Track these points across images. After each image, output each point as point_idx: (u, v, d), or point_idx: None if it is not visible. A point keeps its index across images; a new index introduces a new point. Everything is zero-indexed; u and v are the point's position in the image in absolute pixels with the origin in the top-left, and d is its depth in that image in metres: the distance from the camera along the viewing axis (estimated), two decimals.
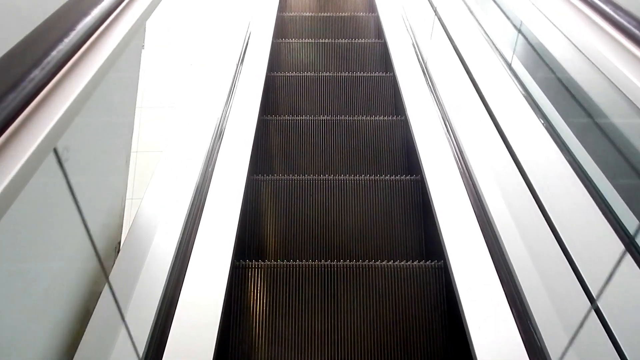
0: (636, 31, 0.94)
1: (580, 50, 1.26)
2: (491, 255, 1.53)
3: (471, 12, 2.74)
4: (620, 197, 1.43)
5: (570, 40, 1.33)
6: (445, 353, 1.63)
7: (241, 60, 2.72)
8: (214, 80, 2.45)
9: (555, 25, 1.34)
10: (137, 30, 1.01)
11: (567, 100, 1.95)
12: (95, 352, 1.19)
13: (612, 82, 1.01)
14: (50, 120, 0.58)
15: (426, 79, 2.54)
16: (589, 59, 1.20)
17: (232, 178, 1.90)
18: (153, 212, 1.64)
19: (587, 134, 1.64)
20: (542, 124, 1.89)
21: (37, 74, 0.58)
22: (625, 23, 0.97)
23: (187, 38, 4.90)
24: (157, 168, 1.81)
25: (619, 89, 0.96)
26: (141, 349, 1.25)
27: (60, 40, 0.69)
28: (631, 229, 1.31)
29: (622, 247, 1.37)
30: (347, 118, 2.54)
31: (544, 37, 2.04)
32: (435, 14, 2.90)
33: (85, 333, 1.18)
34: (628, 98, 0.93)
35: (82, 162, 1.08)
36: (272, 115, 2.59)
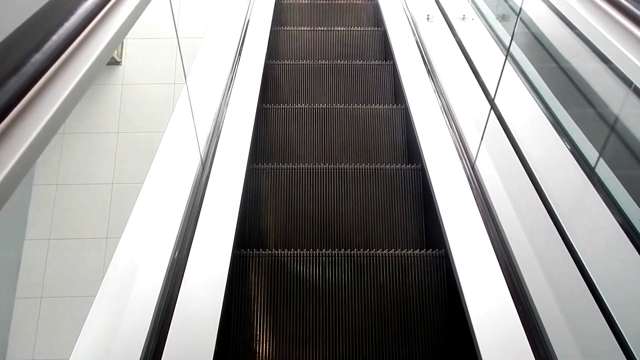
0: None
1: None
2: (492, 244, 1.53)
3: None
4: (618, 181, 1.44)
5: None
6: (446, 342, 1.64)
7: (240, 48, 2.69)
8: (214, 67, 2.43)
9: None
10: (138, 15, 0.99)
11: (559, 77, 1.95)
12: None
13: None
14: (54, 104, 0.57)
15: (426, 67, 2.52)
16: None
17: (232, 167, 1.89)
18: (153, 201, 1.63)
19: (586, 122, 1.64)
20: (541, 108, 1.89)
21: (38, 57, 0.57)
22: None
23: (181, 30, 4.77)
24: (154, 161, 1.80)
25: None
26: (143, 336, 1.24)
27: (60, 24, 0.68)
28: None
29: (621, 232, 1.38)
30: (346, 106, 2.53)
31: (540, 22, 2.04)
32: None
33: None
34: None
35: None
36: (271, 104, 2.57)
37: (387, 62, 2.89)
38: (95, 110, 4.31)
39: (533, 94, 1.76)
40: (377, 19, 3.52)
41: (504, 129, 1.75)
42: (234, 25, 2.86)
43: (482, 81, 2.05)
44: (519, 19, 1.85)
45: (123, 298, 1.31)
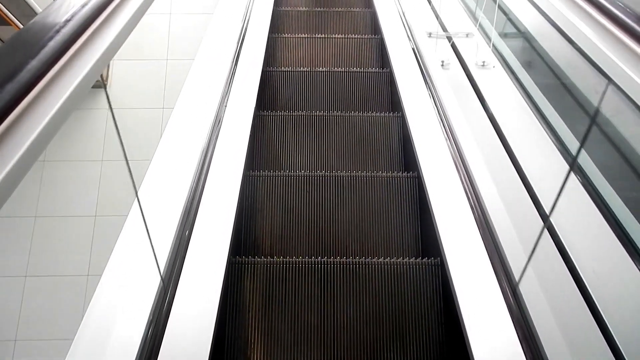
0: None
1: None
2: (488, 252, 1.53)
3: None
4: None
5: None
6: (441, 350, 1.63)
7: (237, 55, 2.70)
8: (211, 75, 2.43)
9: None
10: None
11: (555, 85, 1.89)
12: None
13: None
14: (33, 130, 0.55)
15: (423, 76, 2.53)
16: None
17: (228, 174, 1.89)
18: (150, 208, 1.63)
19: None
20: (537, 119, 1.90)
21: (34, 64, 0.57)
22: None
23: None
24: (151, 164, 1.80)
25: None
26: (137, 343, 1.24)
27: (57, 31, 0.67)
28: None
29: (617, 241, 1.38)
30: (343, 114, 2.54)
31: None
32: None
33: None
34: None
35: None
36: (268, 111, 2.58)
37: (384, 70, 2.90)
38: (78, 137, 4.02)
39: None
40: (374, 27, 3.53)
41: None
42: (232, 31, 2.87)
43: (520, 166, 1.70)
44: (591, 127, 1.39)
45: (106, 333, 1.25)
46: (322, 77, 2.87)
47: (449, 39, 2.56)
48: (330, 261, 1.76)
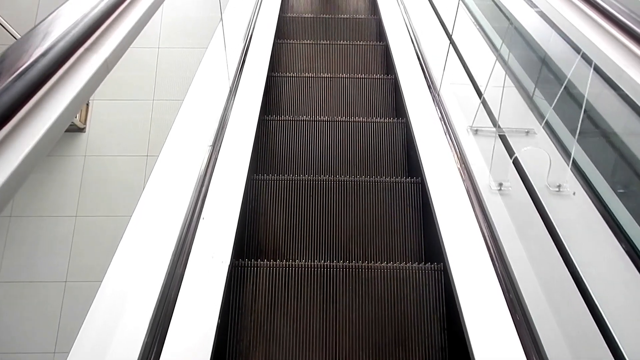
0: None
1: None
2: (491, 258, 1.53)
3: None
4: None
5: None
6: (443, 356, 1.63)
7: (243, 59, 2.72)
8: (216, 76, 2.45)
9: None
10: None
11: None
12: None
13: None
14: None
15: (427, 82, 2.54)
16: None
17: (232, 177, 1.89)
18: (153, 211, 1.64)
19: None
20: (542, 125, 1.90)
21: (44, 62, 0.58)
22: None
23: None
24: (155, 168, 1.81)
25: None
26: (139, 347, 1.24)
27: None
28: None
29: (618, 246, 1.38)
30: (347, 119, 2.54)
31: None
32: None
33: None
34: None
35: None
36: (272, 115, 2.59)
37: (389, 76, 2.91)
38: (50, 187, 3.48)
39: None
40: (379, 30, 3.55)
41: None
42: (238, 34, 2.89)
43: None
44: None
45: None
46: (326, 83, 2.88)
47: (509, 153, 1.91)
48: (333, 265, 1.76)
